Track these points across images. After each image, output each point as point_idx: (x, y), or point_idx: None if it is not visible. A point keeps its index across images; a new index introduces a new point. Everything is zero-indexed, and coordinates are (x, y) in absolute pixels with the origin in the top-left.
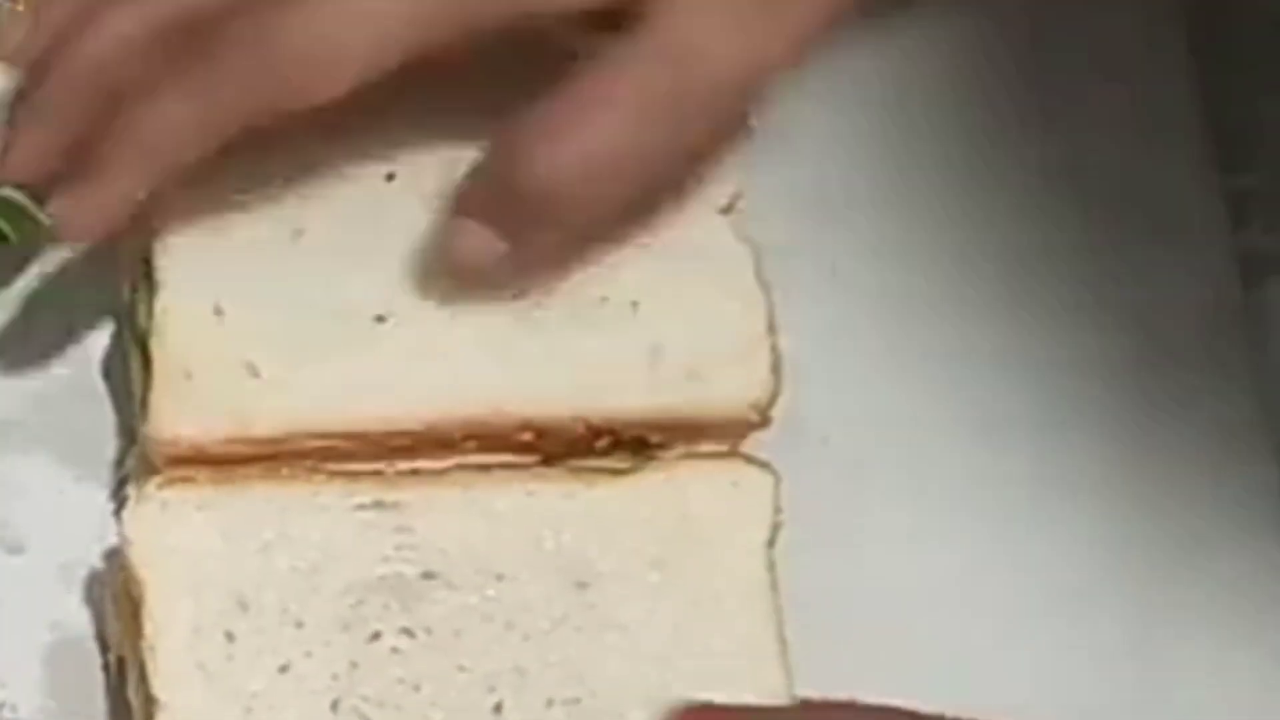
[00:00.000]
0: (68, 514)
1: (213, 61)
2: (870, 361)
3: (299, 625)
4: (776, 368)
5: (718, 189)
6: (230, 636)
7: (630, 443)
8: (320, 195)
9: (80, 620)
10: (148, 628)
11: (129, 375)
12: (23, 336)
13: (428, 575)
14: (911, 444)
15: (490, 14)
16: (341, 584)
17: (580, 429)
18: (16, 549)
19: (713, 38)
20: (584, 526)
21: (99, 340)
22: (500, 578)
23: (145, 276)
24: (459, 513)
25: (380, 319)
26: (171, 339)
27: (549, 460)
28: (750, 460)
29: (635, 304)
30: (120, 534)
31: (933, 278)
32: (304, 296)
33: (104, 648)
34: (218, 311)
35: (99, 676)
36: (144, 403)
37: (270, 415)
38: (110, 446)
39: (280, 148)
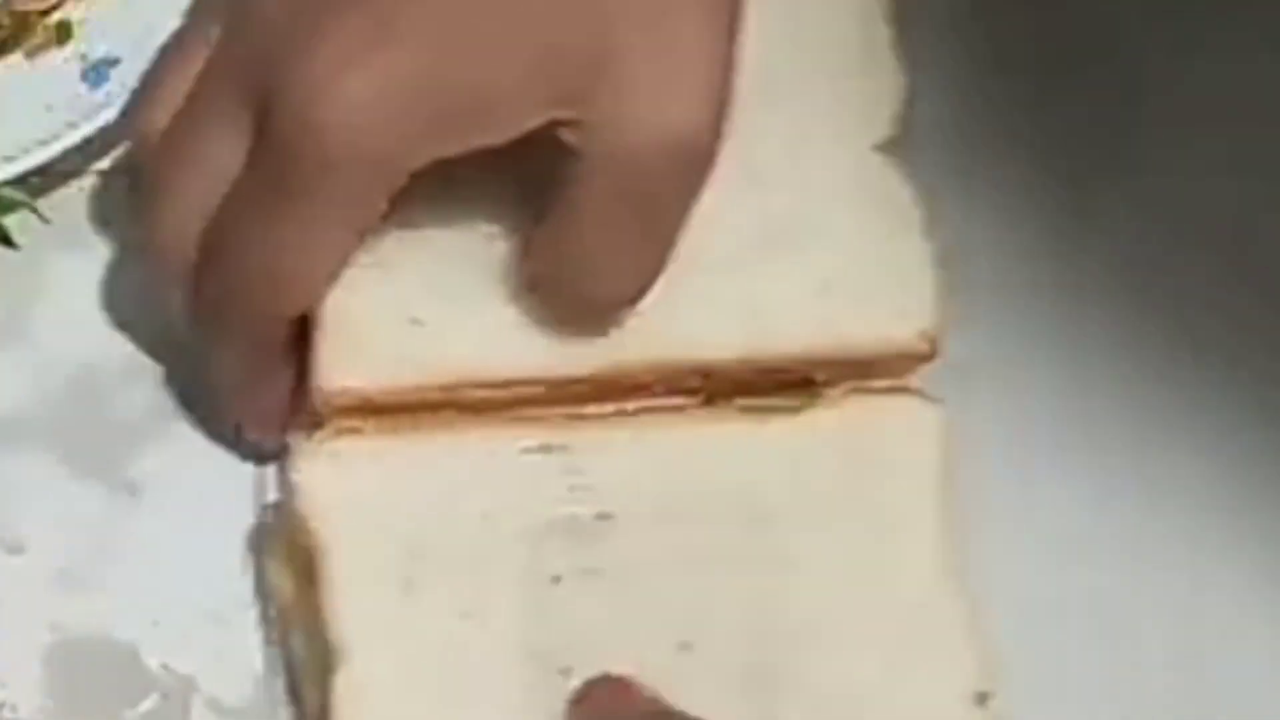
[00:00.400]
0: (68, 514)
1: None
2: (1038, 295)
3: (478, 571)
4: (943, 299)
5: (874, 124)
6: (409, 585)
7: (798, 382)
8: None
9: (80, 620)
10: (325, 580)
11: None
12: (23, 336)
13: (603, 516)
14: (1078, 379)
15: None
16: (517, 528)
17: (748, 370)
18: (16, 549)
19: (641, 122)
20: (757, 464)
21: (100, 340)
22: (676, 517)
23: None
24: (630, 454)
25: None
26: (333, 291)
27: (713, 401)
28: (918, 394)
29: (799, 243)
30: (288, 487)
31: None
32: (463, 244)
33: (263, 605)
34: (378, 264)
35: (99, 676)
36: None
37: (435, 364)
38: (110, 446)
39: None
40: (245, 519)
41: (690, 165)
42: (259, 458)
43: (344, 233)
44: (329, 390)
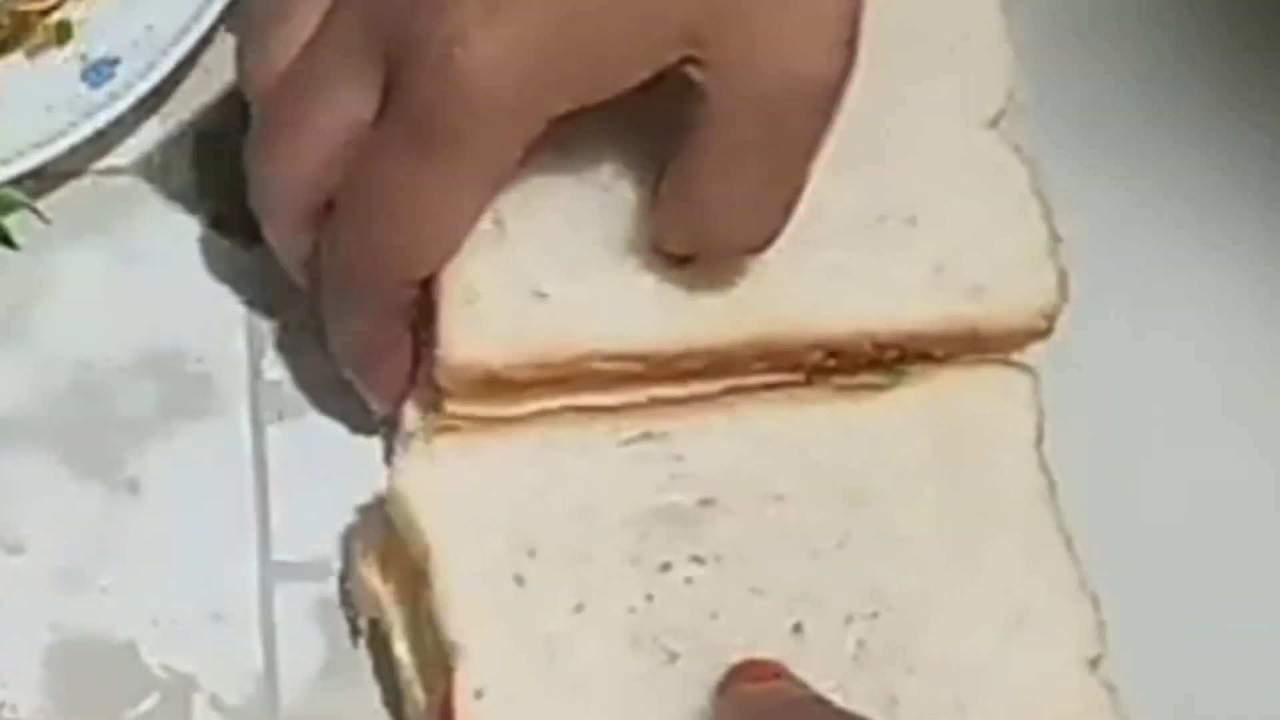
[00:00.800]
0: (68, 514)
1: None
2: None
3: (587, 563)
4: (1061, 275)
5: (986, 101)
6: (520, 580)
7: (915, 357)
8: (587, 112)
9: (80, 620)
10: (436, 578)
11: None
12: (24, 335)
13: (705, 502)
14: (1182, 341)
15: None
16: (622, 518)
17: (868, 346)
18: (16, 549)
19: (770, 64)
20: (854, 443)
21: (101, 339)
22: (779, 499)
23: None
24: (728, 437)
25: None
26: (456, 262)
27: (814, 378)
28: (1007, 363)
29: (913, 220)
30: (391, 489)
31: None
32: (584, 215)
33: (350, 609)
34: (500, 233)
35: (99, 676)
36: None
37: (557, 337)
38: (110, 446)
39: None
40: (246, 519)
41: (818, 108)
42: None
43: (484, 186)
44: (453, 364)
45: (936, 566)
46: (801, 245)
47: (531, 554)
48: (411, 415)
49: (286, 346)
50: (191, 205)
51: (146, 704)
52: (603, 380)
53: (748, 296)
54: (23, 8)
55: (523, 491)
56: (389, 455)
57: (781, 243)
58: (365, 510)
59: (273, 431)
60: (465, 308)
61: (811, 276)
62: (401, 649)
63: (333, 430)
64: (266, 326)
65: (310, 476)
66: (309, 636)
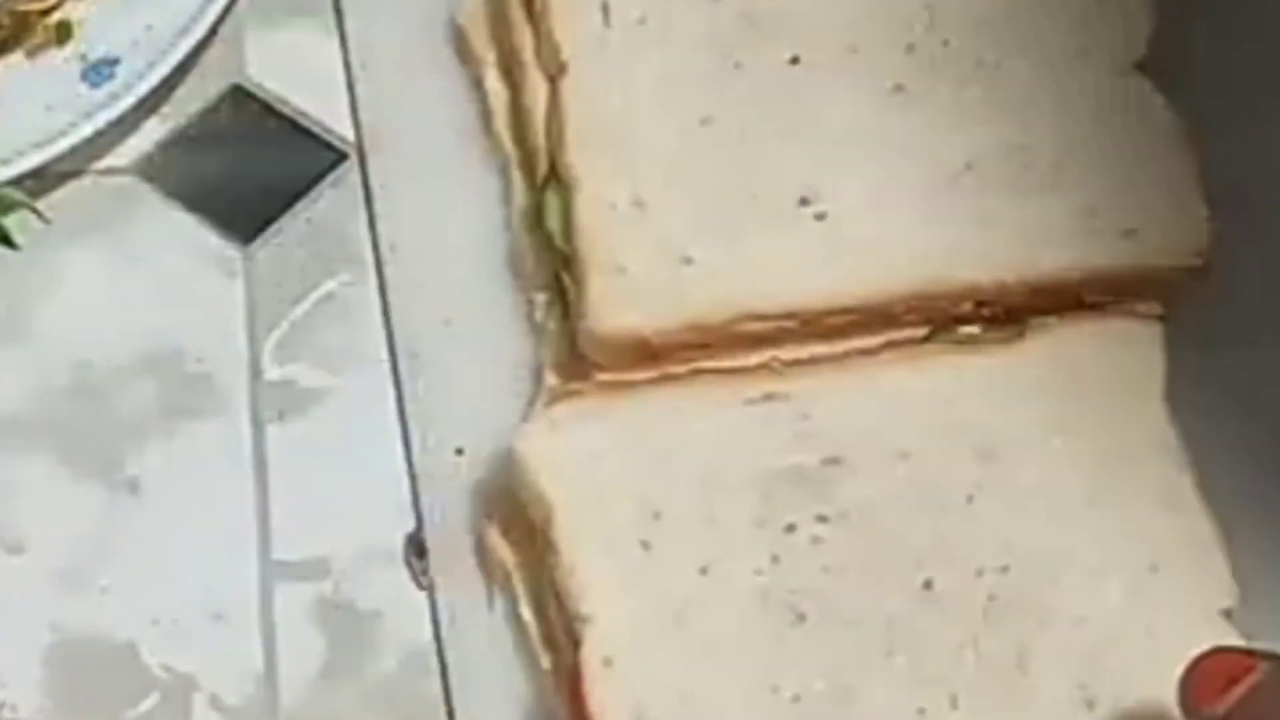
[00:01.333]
0: (68, 514)
1: None
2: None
3: (712, 526)
4: (1211, 216)
5: (1130, 46)
6: (646, 545)
7: (1070, 302)
8: (723, 82)
9: (80, 620)
10: (562, 545)
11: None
12: (24, 335)
13: (830, 461)
14: None
15: None
16: (746, 479)
17: (1023, 293)
18: (16, 549)
19: None
20: (979, 398)
21: (101, 339)
22: (905, 456)
23: (554, 179)
24: (851, 396)
25: (804, 200)
26: (597, 237)
27: (933, 336)
28: (1132, 314)
29: (1059, 164)
30: (515, 456)
31: None
32: (722, 182)
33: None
34: (638, 204)
35: (99, 676)
36: (560, 299)
37: (709, 301)
38: (110, 446)
39: (675, 38)
40: (245, 519)
41: None
42: None
43: None
44: (602, 332)
45: (1066, 519)
46: (949, 194)
47: (657, 518)
48: (554, 383)
49: (286, 346)
50: (191, 205)
51: (146, 704)
52: (753, 340)
53: (896, 248)
54: (23, 8)
55: (647, 456)
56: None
57: (929, 194)
58: (492, 476)
59: (273, 431)
60: (611, 278)
61: (960, 225)
62: (528, 614)
63: (333, 430)
64: (266, 326)
65: (310, 476)
66: (309, 636)
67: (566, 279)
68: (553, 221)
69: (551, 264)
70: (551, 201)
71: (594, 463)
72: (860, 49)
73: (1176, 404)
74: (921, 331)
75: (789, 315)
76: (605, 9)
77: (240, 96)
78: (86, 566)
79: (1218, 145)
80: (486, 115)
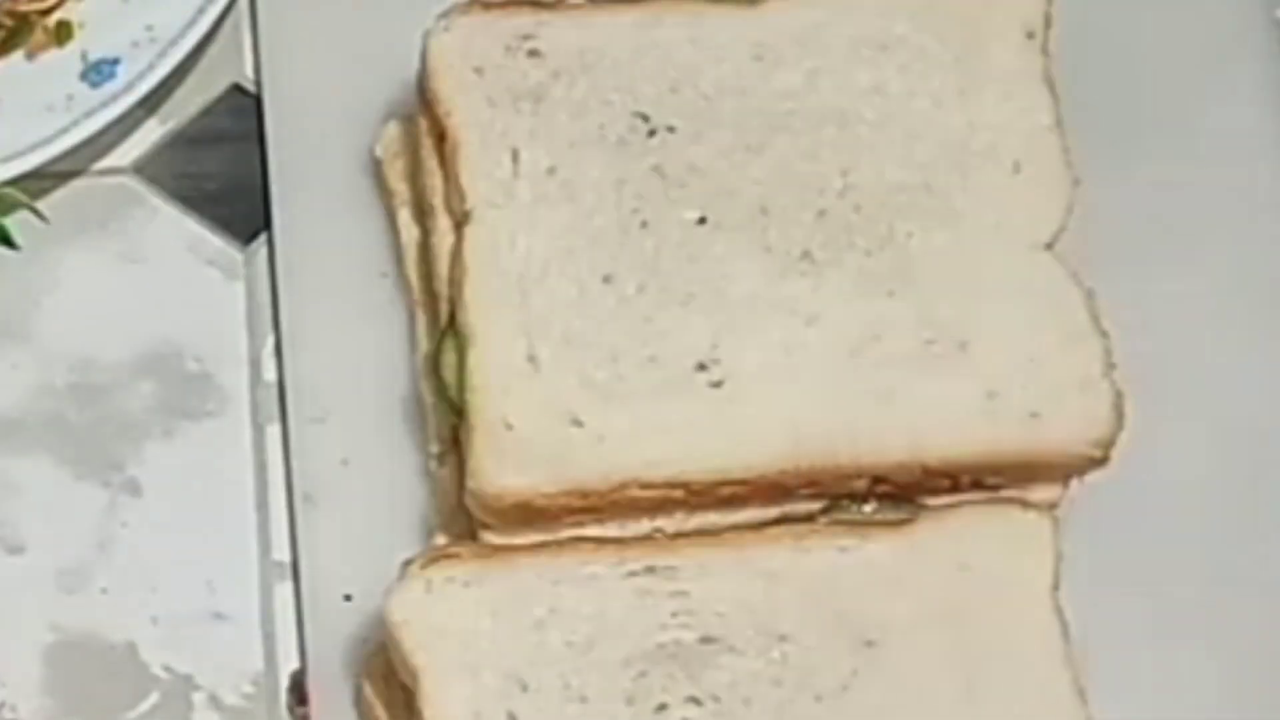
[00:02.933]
0: (68, 514)
1: None
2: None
3: (582, 701)
4: (1117, 404)
5: (1043, 223)
6: (512, 717)
7: (967, 483)
8: (628, 240)
9: (80, 620)
10: (427, 712)
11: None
12: (24, 336)
13: (707, 640)
14: (1207, 480)
15: None
16: (621, 655)
17: (918, 473)
18: (16, 549)
19: None
20: (863, 583)
21: (101, 339)
22: (783, 639)
23: (451, 328)
24: (734, 574)
25: (702, 366)
26: (488, 393)
27: (817, 517)
28: (1025, 505)
29: (965, 343)
30: (386, 616)
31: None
32: (619, 343)
33: None
34: (532, 361)
35: (99, 676)
36: (452, 448)
37: (595, 466)
38: (110, 446)
39: (583, 192)
40: (245, 519)
41: None
42: None
43: None
44: (486, 493)
45: (943, 712)
46: (850, 367)
47: (525, 690)
48: (440, 539)
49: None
50: (191, 205)
51: (146, 704)
52: (641, 508)
53: (791, 421)
54: (23, 8)
55: (520, 625)
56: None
57: (829, 366)
58: (374, 628)
59: (272, 431)
60: (497, 437)
61: (858, 400)
62: None
63: None
64: (266, 326)
65: None
66: None
67: (460, 431)
68: (448, 372)
69: (447, 415)
70: (449, 351)
71: (465, 629)
72: (770, 211)
73: (1069, 592)
74: (815, 505)
75: (677, 484)
76: (515, 156)
77: (240, 96)
78: (86, 566)
79: (1128, 329)
80: (399, 253)
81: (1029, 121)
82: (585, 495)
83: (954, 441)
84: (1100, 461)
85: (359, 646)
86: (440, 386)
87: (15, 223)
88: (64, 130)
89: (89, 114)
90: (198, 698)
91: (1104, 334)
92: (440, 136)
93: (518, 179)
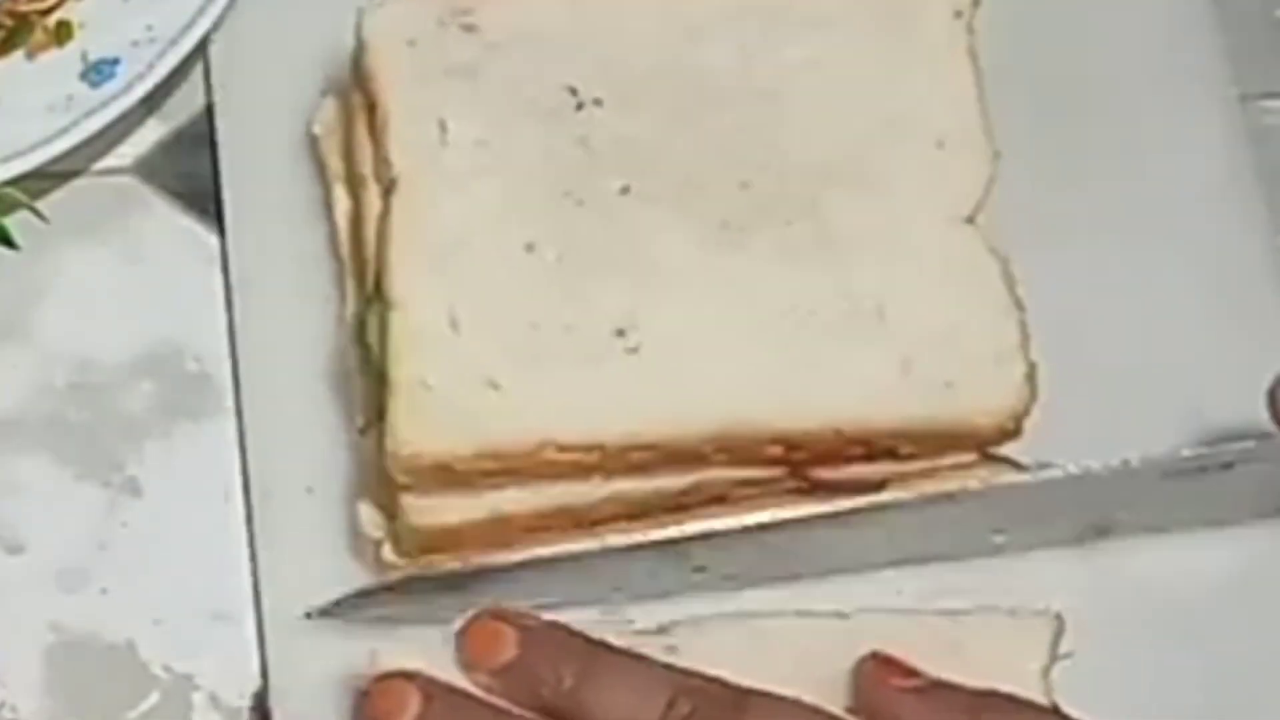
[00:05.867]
0: (68, 514)
1: None
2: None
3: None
4: (1031, 377)
5: (963, 197)
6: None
7: (880, 454)
8: (552, 209)
9: (80, 620)
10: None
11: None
12: (24, 335)
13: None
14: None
15: None
16: None
17: (831, 440)
18: (16, 549)
19: None
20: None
21: (100, 340)
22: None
23: (376, 294)
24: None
25: (620, 332)
26: (408, 355)
27: (796, 472)
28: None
29: (883, 313)
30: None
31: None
32: (540, 310)
33: None
34: (453, 325)
35: (99, 676)
36: (377, 418)
37: (510, 428)
38: (110, 446)
39: (509, 162)
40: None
41: None
42: None
43: None
44: (403, 454)
45: None
46: (766, 336)
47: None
48: (367, 512)
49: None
50: (191, 205)
51: (146, 704)
52: (557, 472)
53: (706, 387)
54: (23, 8)
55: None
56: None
57: (747, 334)
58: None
59: None
60: (416, 397)
61: (776, 368)
62: None
63: None
64: None
65: None
66: None
67: (383, 398)
68: (372, 336)
69: (372, 384)
70: (373, 316)
71: None
72: (695, 183)
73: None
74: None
75: (591, 448)
76: (444, 126)
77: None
78: (86, 566)
79: (1046, 304)
80: (333, 226)
81: (953, 97)
82: (501, 458)
83: (869, 410)
84: (1013, 433)
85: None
86: (365, 352)
87: (15, 223)
88: (64, 130)
89: (89, 114)
90: (198, 698)
91: (1020, 307)
92: (371, 108)
93: (445, 148)
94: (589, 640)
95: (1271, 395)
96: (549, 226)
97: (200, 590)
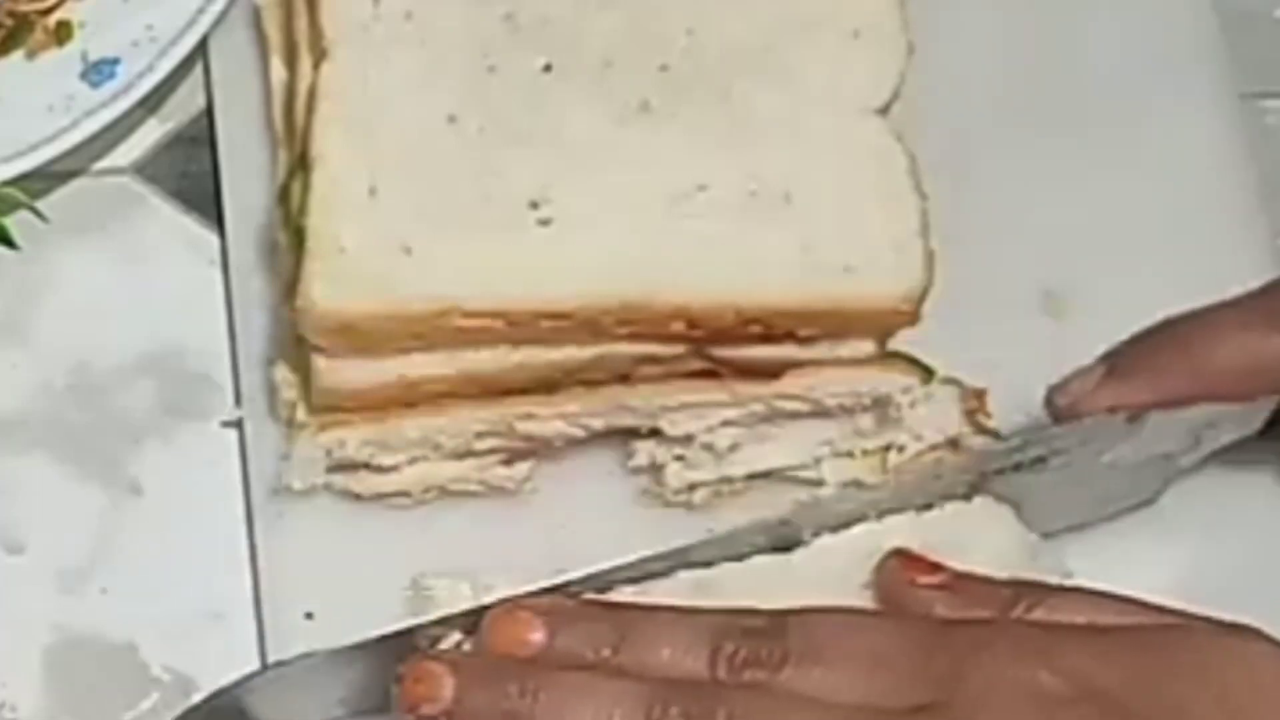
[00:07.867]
0: (68, 514)
1: None
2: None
3: None
4: (928, 264)
5: (875, 91)
6: None
7: (779, 336)
8: (475, 83)
9: (80, 620)
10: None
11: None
12: (23, 336)
13: None
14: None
15: None
16: None
17: (731, 317)
18: (16, 549)
19: None
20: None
21: (100, 340)
22: None
23: (301, 162)
24: None
25: (534, 205)
26: (326, 216)
27: (698, 351)
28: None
29: (789, 196)
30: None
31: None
32: (458, 180)
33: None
34: (372, 192)
35: (99, 676)
36: (295, 280)
37: (418, 292)
38: (110, 446)
39: (436, 36)
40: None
41: None
42: None
43: None
44: (313, 313)
45: None
46: (674, 215)
47: None
48: (282, 373)
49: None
50: (191, 205)
51: (146, 704)
52: (464, 338)
53: (612, 261)
54: (23, 8)
55: None
56: None
57: (655, 211)
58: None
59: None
60: (330, 259)
61: (681, 245)
62: None
63: None
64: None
65: None
66: None
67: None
68: (294, 201)
69: (295, 252)
70: (296, 182)
71: None
72: (615, 64)
73: None
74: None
75: (496, 315)
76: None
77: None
78: (86, 566)
79: (951, 196)
80: (268, 99)
81: None
82: (409, 320)
83: (770, 291)
84: (911, 318)
85: None
86: (286, 216)
87: (15, 223)
88: (64, 130)
89: (89, 114)
90: (198, 698)
91: (923, 196)
92: None
93: (376, 20)
94: (616, 605)
95: (1048, 399)
96: (472, 99)
97: (200, 590)
